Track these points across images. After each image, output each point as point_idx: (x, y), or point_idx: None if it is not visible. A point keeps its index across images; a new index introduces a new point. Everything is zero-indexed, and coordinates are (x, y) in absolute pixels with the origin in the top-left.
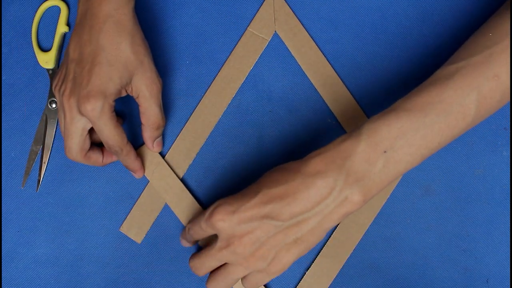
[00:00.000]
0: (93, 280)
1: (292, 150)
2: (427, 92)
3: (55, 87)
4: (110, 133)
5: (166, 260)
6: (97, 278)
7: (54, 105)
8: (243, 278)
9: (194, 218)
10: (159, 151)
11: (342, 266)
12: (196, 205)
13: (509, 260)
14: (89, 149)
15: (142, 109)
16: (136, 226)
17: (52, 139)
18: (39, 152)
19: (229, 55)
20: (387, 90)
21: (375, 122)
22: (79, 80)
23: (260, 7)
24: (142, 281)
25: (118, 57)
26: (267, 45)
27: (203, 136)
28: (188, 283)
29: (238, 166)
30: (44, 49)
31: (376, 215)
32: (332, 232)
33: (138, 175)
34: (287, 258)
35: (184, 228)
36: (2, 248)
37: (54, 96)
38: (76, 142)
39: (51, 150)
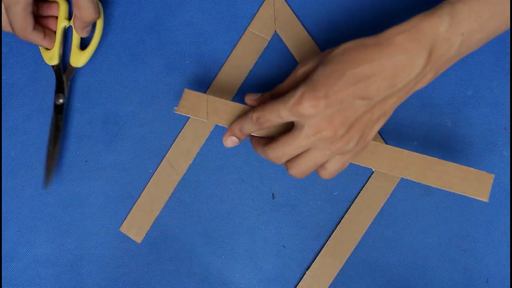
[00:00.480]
0: (93, 280)
1: None
2: None
3: None
4: (17, 21)
5: (166, 260)
6: (97, 278)
7: (60, 100)
8: (326, 161)
9: (265, 107)
10: (87, 36)
11: (342, 266)
12: None
13: (509, 260)
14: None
15: (75, 1)
16: (136, 226)
17: (60, 136)
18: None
19: (229, 55)
20: None
21: (456, 4)
22: None
23: (260, 7)
24: (142, 281)
25: None
26: (267, 45)
27: (203, 136)
28: (188, 283)
29: (238, 166)
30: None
31: (376, 215)
32: (332, 232)
33: (49, 47)
34: (371, 135)
35: (239, 120)
36: (2, 248)
37: (60, 92)
38: (5, 21)
39: (61, 146)
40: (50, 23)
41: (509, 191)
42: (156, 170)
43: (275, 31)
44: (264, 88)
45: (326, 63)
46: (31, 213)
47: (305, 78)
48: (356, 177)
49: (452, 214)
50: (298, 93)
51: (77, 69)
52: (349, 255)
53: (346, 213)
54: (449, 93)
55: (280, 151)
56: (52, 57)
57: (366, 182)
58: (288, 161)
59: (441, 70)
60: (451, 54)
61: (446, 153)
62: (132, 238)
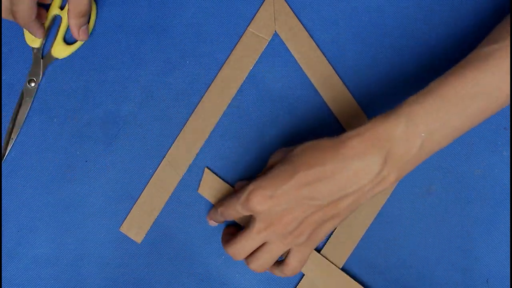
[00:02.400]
0: (93, 280)
1: None
2: (462, 75)
3: None
4: (23, 9)
5: (166, 260)
6: (97, 278)
7: (33, 84)
8: (286, 258)
9: (226, 200)
10: (85, 40)
11: (342, 266)
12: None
13: (509, 260)
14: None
15: None
16: (136, 226)
17: (25, 117)
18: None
19: (229, 55)
20: (387, 90)
21: (413, 105)
22: None
23: (260, 7)
24: (142, 281)
25: None
26: (267, 45)
27: (203, 136)
28: (188, 283)
29: (238, 166)
30: None
31: (376, 215)
32: (332, 232)
33: (39, 38)
34: (325, 231)
35: (211, 208)
36: (2, 248)
37: (34, 76)
38: (7, 7)
39: (21, 127)
40: (43, 13)
41: (509, 191)
42: (156, 170)
43: (275, 31)
44: (263, 88)
45: (284, 162)
46: (31, 213)
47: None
48: None
49: (452, 214)
50: (248, 189)
51: (56, 60)
52: (349, 255)
53: None
54: None
55: (237, 247)
56: (34, 39)
57: None
58: (248, 256)
59: (406, 171)
60: (413, 154)
61: (446, 153)
62: (132, 238)
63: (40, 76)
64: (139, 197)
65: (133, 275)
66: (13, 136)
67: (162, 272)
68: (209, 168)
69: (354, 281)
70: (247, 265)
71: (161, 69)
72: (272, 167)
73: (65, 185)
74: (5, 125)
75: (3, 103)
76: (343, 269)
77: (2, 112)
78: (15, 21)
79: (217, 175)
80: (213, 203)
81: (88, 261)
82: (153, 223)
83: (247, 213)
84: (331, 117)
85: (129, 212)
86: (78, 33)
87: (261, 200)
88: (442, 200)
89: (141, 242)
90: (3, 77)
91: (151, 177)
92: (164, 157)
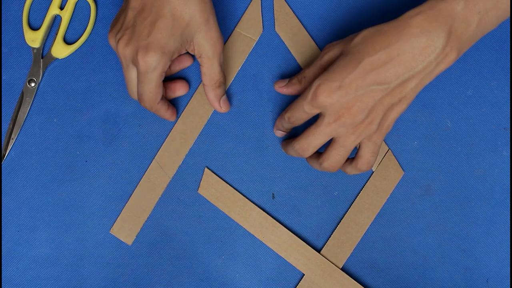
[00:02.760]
0: (93, 280)
1: None
2: None
3: (110, 32)
4: (150, 90)
5: (166, 260)
6: (97, 278)
7: (33, 84)
8: (358, 151)
9: (292, 105)
10: (227, 110)
11: (342, 266)
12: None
13: (509, 260)
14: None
15: (204, 69)
16: (126, 228)
17: (25, 117)
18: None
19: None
20: None
21: None
22: (139, 30)
23: (247, 7)
24: (142, 281)
25: (183, 12)
26: (268, 45)
27: (192, 137)
28: (188, 283)
29: (238, 166)
30: (33, 28)
31: (376, 215)
32: (333, 232)
33: (171, 120)
34: (393, 116)
35: (279, 117)
36: (2, 248)
37: (34, 76)
38: (134, 89)
39: (21, 127)
40: (177, 87)
41: (509, 191)
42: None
43: (275, 31)
44: (263, 88)
45: (346, 53)
46: (31, 213)
47: (328, 65)
48: (356, 177)
49: (452, 214)
50: (315, 85)
51: (56, 60)
52: (349, 255)
53: (346, 213)
54: (449, 93)
55: (306, 142)
56: (35, 40)
57: (366, 182)
58: (320, 156)
59: (463, 50)
60: (470, 33)
61: (446, 153)
62: (122, 240)
63: (40, 76)
64: (128, 199)
65: (133, 275)
66: (13, 136)
67: (162, 272)
68: (209, 168)
69: (354, 281)
70: (320, 164)
71: None
72: (330, 63)
73: (65, 185)
74: (5, 125)
75: (3, 103)
76: (343, 269)
77: (2, 112)
78: (141, 102)
79: (217, 175)
80: (213, 203)
81: (88, 261)
82: (153, 223)
83: (315, 111)
84: None
85: (119, 214)
86: (220, 105)
87: (329, 92)
88: (442, 200)
89: (141, 242)
90: (3, 77)
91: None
92: (154, 158)
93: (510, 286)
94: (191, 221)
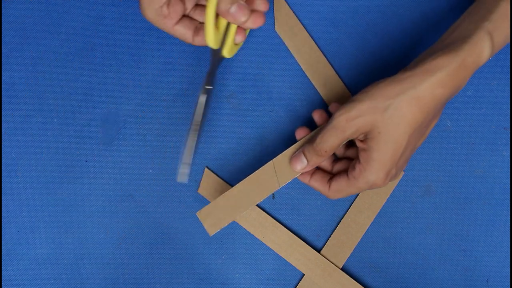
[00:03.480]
0: (93, 280)
1: None
2: None
3: None
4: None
5: (166, 260)
6: (97, 278)
7: (211, 86)
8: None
9: (339, 190)
10: (245, 19)
11: (342, 266)
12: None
13: (509, 260)
14: (179, 21)
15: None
16: (215, 217)
17: (202, 116)
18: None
19: None
20: None
21: (489, 26)
22: None
23: None
24: (142, 281)
25: None
26: (268, 45)
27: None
28: (188, 283)
29: (238, 166)
30: None
31: (376, 215)
32: (333, 232)
33: (201, 44)
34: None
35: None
36: (2, 248)
37: (211, 81)
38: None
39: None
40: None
41: (509, 191)
42: (258, 169)
43: (274, 31)
44: (263, 88)
45: (384, 135)
46: (31, 213)
47: (364, 145)
48: None
49: (452, 214)
50: (372, 177)
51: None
52: (349, 255)
53: (346, 213)
54: None
55: (344, 194)
56: (217, 41)
57: None
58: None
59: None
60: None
61: (446, 153)
62: (205, 228)
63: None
64: (232, 187)
65: (133, 275)
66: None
67: (162, 272)
68: (209, 168)
69: (354, 281)
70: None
71: (161, 69)
72: (358, 135)
73: (65, 185)
74: (5, 124)
75: (3, 103)
76: (343, 269)
77: (2, 112)
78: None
79: (217, 175)
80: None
81: (88, 261)
82: (153, 223)
83: (365, 188)
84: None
85: (214, 200)
86: (233, 14)
87: (387, 179)
88: (442, 200)
89: (141, 242)
90: (3, 77)
91: (151, 177)
92: (272, 159)
93: (510, 286)
94: (191, 221)
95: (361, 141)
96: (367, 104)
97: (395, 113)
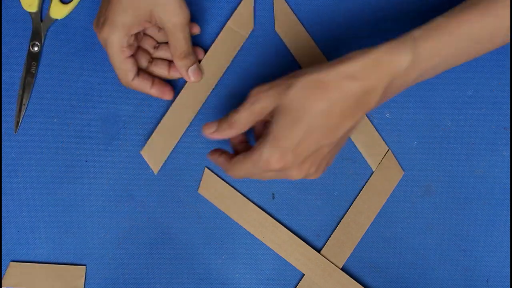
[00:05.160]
0: (93, 280)
1: None
2: (469, 15)
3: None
4: (117, 66)
5: (166, 260)
6: (97, 278)
7: (36, 48)
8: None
9: (238, 162)
10: (198, 81)
11: (342, 266)
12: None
13: (509, 260)
14: (137, 76)
15: (169, 40)
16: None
17: (33, 81)
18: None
19: (207, 52)
20: None
21: (419, 41)
22: (101, 10)
23: (239, 3)
24: (142, 281)
25: None
26: (267, 45)
27: (179, 132)
28: (188, 283)
29: None
30: None
31: (376, 215)
32: (333, 232)
33: (166, 98)
34: (332, 161)
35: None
36: (2, 248)
37: (36, 40)
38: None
39: (31, 93)
40: (161, 66)
41: (509, 191)
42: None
43: (275, 31)
44: None
45: (285, 109)
46: (31, 213)
47: (264, 119)
48: (356, 177)
49: (452, 214)
50: (265, 153)
51: (56, 21)
52: (349, 255)
53: (346, 213)
54: (449, 93)
55: (243, 171)
56: (31, 4)
57: (366, 182)
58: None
59: (387, 99)
60: (404, 86)
61: (446, 153)
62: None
63: (43, 39)
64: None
65: (133, 275)
66: (25, 101)
67: (162, 272)
68: (209, 168)
69: (354, 281)
70: (227, 170)
71: None
72: (263, 113)
73: (65, 185)
74: (6, 123)
75: (3, 103)
76: (343, 269)
77: (2, 111)
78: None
79: (217, 175)
80: (213, 203)
81: (88, 261)
82: (153, 223)
83: (265, 174)
84: None
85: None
86: (188, 74)
87: (281, 159)
88: (442, 200)
89: (141, 242)
90: (3, 77)
91: (152, 175)
92: (141, 151)
93: (510, 286)
94: (191, 221)
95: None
96: (278, 81)
97: (298, 92)
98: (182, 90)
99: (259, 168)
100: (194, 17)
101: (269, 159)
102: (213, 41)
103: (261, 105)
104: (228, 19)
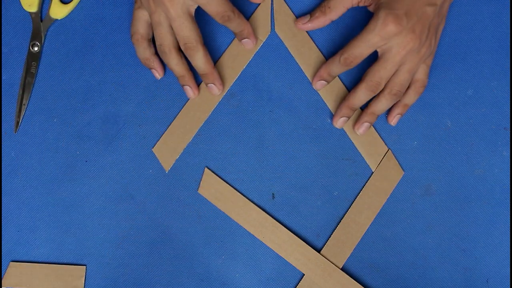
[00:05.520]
0: (94, 280)
1: (292, 150)
2: None
3: None
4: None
5: (166, 260)
6: (97, 278)
7: (36, 48)
8: (414, 78)
9: (352, 43)
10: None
11: (342, 266)
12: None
13: (509, 260)
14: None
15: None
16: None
17: (33, 82)
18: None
19: (222, 54)
20: None
21: None
22: None
23: (257, 8)
24: (142, 281)
25: None
26: (267, 45)
27: (191, 132)
28: (188, 283)
29: (238, 166)
30: None
31: (376, 215)
32: (333, 232)
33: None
34: (439, 36)
35: (327, 64)
36: (2, 248)
37: (36, 40)
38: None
39: (31, 93)
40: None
41: (509, 191)
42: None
43: (274, 32)
44: (263, 88)
45: None
46: (31, 213)
47: (357, 3)
48: (356, 177)
49: (452, 214)
50: (382, 16)
51: (56, 21)
52: (349, 255)
53: (346, 213)
54: (449, 93)
55: (378, 76)
56: (31, 4)
57: (366, 182)
58: (387, 84)
59: None
60: None
61: (446, 153)
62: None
63: (43, 39)
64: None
65: (133, 275)
66: (25, 101)
67: (162, 272)
68: (209, 168)
69: (354, 281)
70: (388, 94)
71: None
72: None
73: (65, 185)
74: (6, 123)
75: (3, 103)
76: (343, 269)
77: (2, 110)
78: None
79: (217, 175)
80: (213, 203)
81: (88, 261)
82: (153, 223)
83: (383, 42)
84: (330, 116)
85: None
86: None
87: (398, 20)
88: (442, 200)
89: (141, 242)
90: (3, 77)
91: (151, 176)
92: (152, 148)
93: (510, 286)
94: (191, 221)
95: (370, 5)
96: None
97: None
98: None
99: (375, 33)
100: (211, 23)
101: (386, 20)
102: (228, 45)
103: None
104: None
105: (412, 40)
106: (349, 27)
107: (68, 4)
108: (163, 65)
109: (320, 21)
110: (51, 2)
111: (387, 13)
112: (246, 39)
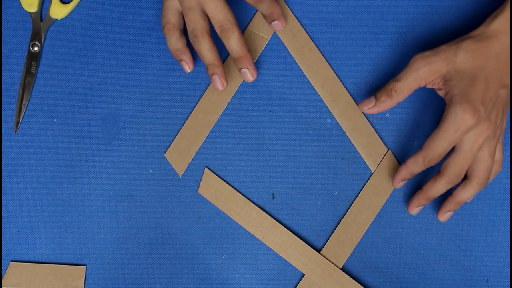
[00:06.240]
0: (93, 280)
1: (292, 150)
2: None
3: None
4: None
5: (166, 260)
6: (97, 278)
7: (36, 48)
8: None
9: (429, 143)
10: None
11: (342, 266)
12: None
13: (509, 260)
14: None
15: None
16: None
17: (33, 81)
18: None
19: (229, 54)
20: None
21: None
22: None
23: None
24: (142, 281)
25: None
26: (267, 45)
27: (202, 135)
28: (188, 283)
29: (238, 166)
30: None
31: (376, 215)
32: (333, 232)
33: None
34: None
35: (405, 164)
36: (2, 248)
37: (36, 40)
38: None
39: (31, 93)
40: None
41: (509, 191)
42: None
43: (274, 32)
44: (263, 88)
45: (462, 70)
46: (31, 213)
47: (425, 84)
48: (356, 177)
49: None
50: (460, 113)
51: (56, 21)
52: (349, 255)
53: (346, 213)
54: None
55: (459, 169)
56: (31, 4)
57: (366, 182)
58: (472, 173)
59: None
60: None
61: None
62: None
63: (43, 39)
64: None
65: (133, 275)
66: (25, 101)
67: (162, 272)
68: (209, 168)
69: (354, 281)
70: (469, 182)
71: (161, 69)
72: (429, 78)
73: (65, 185)
74: (6, 123)
75: (3, 103)
76: (343, 269)
77: (2, 110)
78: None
79: (217, 175)
80: (213, 203)
81: (88, 261)
82: (153, 223)
83: (461, 136)
84: (330, 117)
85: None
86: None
87: (475, 112)
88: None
89: (141, 242)
90: (3, 78)
91: (152, 176)
92: (164, 154)
93: (510, 286)
94: (191, 221)
95: (441, 89)
96: (440, 48)
97: (468, 53)
98: (205, 92)
99: (455, 130)
100: None
101: (464, 115)
102: None
103: (430, 69)
104: (249, 23)
105: (489, 128)
106: (349, 27)
107: (68, 4)
108: (194, 57)
109: (387, 105)
110: (51, 2)
111: (464, 108)
112: (276, 21)
